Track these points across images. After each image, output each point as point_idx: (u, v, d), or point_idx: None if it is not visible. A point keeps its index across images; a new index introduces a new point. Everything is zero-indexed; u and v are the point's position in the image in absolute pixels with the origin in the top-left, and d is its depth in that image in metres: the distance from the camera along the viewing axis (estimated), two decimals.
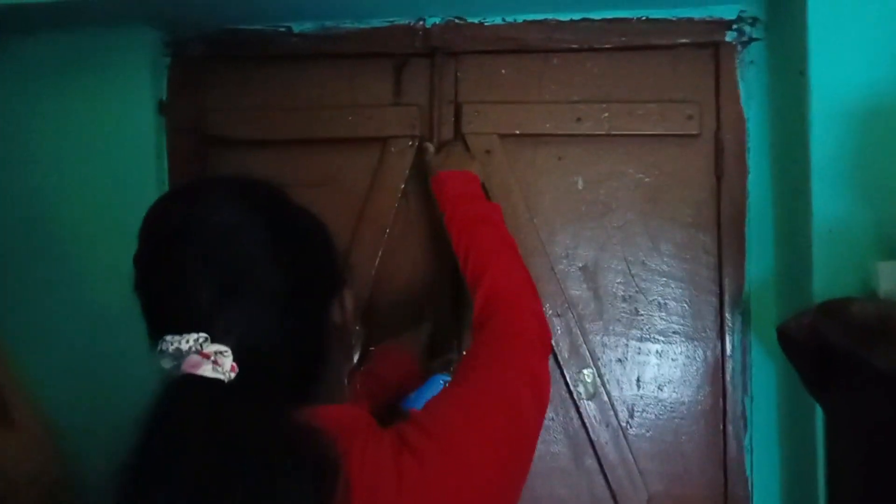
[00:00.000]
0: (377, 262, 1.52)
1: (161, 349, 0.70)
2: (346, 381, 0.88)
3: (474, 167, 1.40)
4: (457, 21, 1.51)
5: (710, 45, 1.49)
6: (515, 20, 1.50)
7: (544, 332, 1.03)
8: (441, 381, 1.36)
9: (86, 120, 1.53)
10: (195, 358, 0.68)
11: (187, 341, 0.69)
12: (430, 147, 1.46)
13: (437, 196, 1.32)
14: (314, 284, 0.80)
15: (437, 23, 1.51)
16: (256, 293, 0.74)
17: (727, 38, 1.48)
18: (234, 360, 0.69)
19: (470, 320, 1.49)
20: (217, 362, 0.68)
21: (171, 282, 0.73)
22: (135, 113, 1.53)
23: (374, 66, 1.56)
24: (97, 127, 1.52)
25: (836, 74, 1.27)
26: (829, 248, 1.27)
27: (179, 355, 0.69)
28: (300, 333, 0.77)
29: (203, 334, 0.69)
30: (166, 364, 0.70)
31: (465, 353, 0.99)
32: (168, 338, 0.69)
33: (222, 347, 0.69)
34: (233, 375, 0.69)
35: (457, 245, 1.21)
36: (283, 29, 1.54)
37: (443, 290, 1.53)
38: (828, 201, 1.27)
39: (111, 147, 1.52)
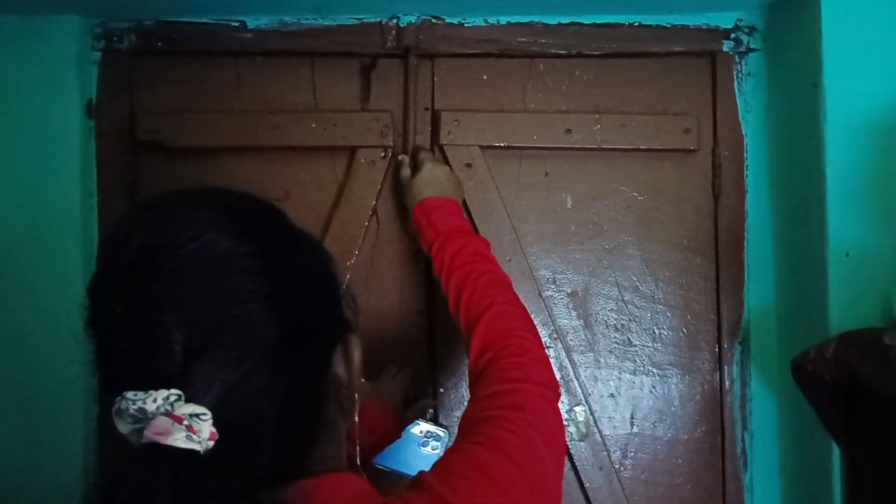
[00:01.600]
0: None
1: (119, 408, 0.53)
2: (344, 443, 0.71)
3: (461, 189, 1.28)
4: (434, 20, 1.36)
5: (706, 54, 1.39)
6: (499, 21, 1.36)
7: (552, 377, 0.90)
8: (416, 432, 1.21)
9: None
10: (164, 422, 0.51)
11: (154, 400, 0.52)
12: (406, 160, 1.30)
13: (423, 226, 1.17)
14: (315, 330, 0.63)
15: (412, 21, 1.35)
16: (243, 341, 0.57)
17: (724, 48, 1.38)
18: (214, 424, 0.53)
19: (452, 362, 1.36)
20: (192, 428, 0.52)
21: (134, 323, 0.55)
22: (59, 115, 1.30)
23: (338, 67, 1.38)
24: (13, 130, 1.28)
25: (852, 87, 1.19)
26: (846, 274, 1.19)
27: (143, 417, 0.52)
28: (296, 391, 0.60)
29: (175, 391, 0.53)
30: (124, 427, 0.53)
31: (468, 403, 0.85)
32: (129, 395, 0.53)
33: (199, 409, 0.53)
34: (211, 445, 0.52)
35: (446, 283, 1.07)
36: (235, 23, 1.35)
37: (417, 327, 1.36)
38: (844, 222, 1.19)
39: (30, 154, 1.28)
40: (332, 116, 1.35)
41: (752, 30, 1.38)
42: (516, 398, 0.81)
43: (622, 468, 1.36)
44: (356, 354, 0.69)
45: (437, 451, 1.21)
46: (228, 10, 1.34)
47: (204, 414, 0.52)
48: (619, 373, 1.38)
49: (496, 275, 1.07)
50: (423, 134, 1.36)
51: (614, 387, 1.38)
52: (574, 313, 1.38)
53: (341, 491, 0.64)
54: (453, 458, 0.72)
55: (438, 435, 1.21)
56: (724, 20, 1.38)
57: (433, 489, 0.64)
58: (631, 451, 1.37)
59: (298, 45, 1.36)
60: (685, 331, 1.38)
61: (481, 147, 1.35)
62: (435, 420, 1.33)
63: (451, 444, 1.27)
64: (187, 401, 0.53)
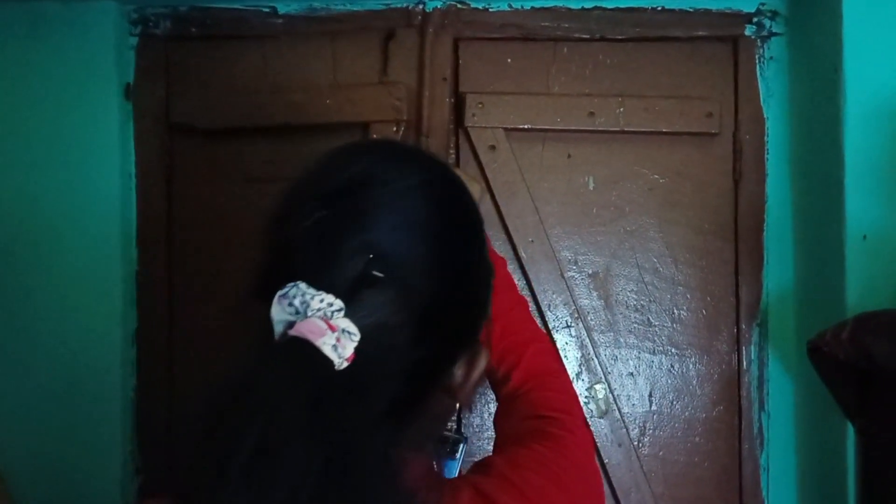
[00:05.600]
0: None
1: (286, 293, 0.54)
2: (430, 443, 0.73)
3: (474, 188, 1.27)
4: (459, 5, 1.39)
5: (728, 38, 1.40)
6: (522, 7, 1.39)
7: (582, 412, 0.92)
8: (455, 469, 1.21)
9: (41, 106, 1.34)
10: (319, 324, 0.53)
11: (322, 300, 0.54)
12: None
13: None
14: (463, 323, 0.65)
15: (438, 7, 1.38)
16: (408, 292, 0.59)
17: (746, 33, 1.39)
18: (356, 349, 0.54)
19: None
20: (340, 341, 0.53)
21: (328, 232, 0.58)
22: (97, 98, 1.35)
23: (359, 41, 1.39)
24: (54, 114, 1.34)
25: (872, 72, 1.20)
26: (864, 256, 1.20)
27: (301, 312, 0.54)
28: (425, 362, 0.61)
29: (340, 302, 0.54)
30: (279, 314, 0.55)
31: (505, 416, 0.88)
32: (302, 284, 0.54)
33: (353, 328, 0.54)
34: (345, 365, 0.54)
35: None
36: (266, 9, 1.39)
37: None
38: (862, 205, 1.20)
39: (70, 137, 1.34)
40: (348, 92, 1.35)
41: (774, 14, 1.39)
42: (566, 423, 0.82)
43: (641, 445, 1.39)
44: (480, 365, 0.69)
45: (458, 456, 1.22)
46: None
47: (355, 334, 0.54)
48: (639, 352, 1.41)
49: (521, 304, 1.07)
50: (438, 106, 1.37)
51: (634, 366, 1.41)
52: (595, 294, 1.41)
53: (421, 468, 0.66)
54: (522, 452, 0.73)
55: (458, 440, 1.23)
56: (747, 4, 1.39)
57: (505, 476, 0.66)
58: (649, 429, 1.40)
59: (326, 31, 1.39)
60: (704, 312, 1.41)
61: (505, 129, 1.38)
62: (458, 427, 1.35)
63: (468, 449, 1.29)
64: (345, 316, 0.54)
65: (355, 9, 1.38)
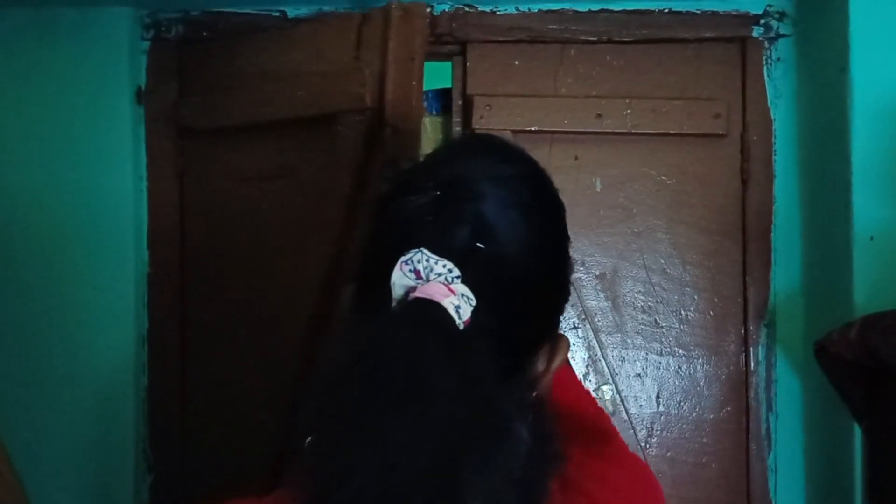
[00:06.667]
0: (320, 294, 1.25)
1: (411, 259, 0.57)
2: None
3: None
4: (466, 9, 1.40)
5: (735, 40, 1.41)
6: (530, 9, 1.40)
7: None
8: None
9: (54, 110, 1.37)
10: (442, 288, 0.55)
11: (444, 266, 0.56)
12: None
13: None
14: (547, 302, 0.66)
15: (446, 10, 1.39)
16: (504, 265, 0.60)
17: (754, 34, 1.40)
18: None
19: None
20: (461, 304, 0.55)
21: (439, 208, 0.60)
22: (110, 102, 1.38)
23: (336, 26, 1.31)
24: (67, 118, 1.37)
25: (880, 73, 1.21)
26: (871, 256, 1.20)
27: (425, 276, 0.56)
28: (511, 338, 0.61)
29: (458, 270, 0.57)
30: (400, 279, 0.57)
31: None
32: (426, 251, 0.57)
33: (469, 293, 0.56)
34: (463, 328, 0.55)
35: None
36: (276, 13, 1.41)
37: None
38: (869, 206, 1.20)
39: (84, 140, 1.37)
40: (319, 81, 1.29)
41: (782, 15, 1.39)
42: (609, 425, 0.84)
43: (648, 446, 1.40)
44: (561, 354, 0.69)
45: None
46: (270, 0, 1.40)
47: (472, 300, 0.56)
48: (646, 353, 1.41)
49: None
50: (405, 89, 1.21)
51: (641, 367, 1.41)
52: (602, 295, 1.41)
53: None
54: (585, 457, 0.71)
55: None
56: (754, 6, 1.39)
57: (579, 462, 0.65)
58: (657, 430, 1.40)
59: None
60: (712, 313, 1.41)
61: (513, 131, 1.38)
62: None
63: None
64: (463, 282, 0.57)
65: (364, 12, 1.40)
